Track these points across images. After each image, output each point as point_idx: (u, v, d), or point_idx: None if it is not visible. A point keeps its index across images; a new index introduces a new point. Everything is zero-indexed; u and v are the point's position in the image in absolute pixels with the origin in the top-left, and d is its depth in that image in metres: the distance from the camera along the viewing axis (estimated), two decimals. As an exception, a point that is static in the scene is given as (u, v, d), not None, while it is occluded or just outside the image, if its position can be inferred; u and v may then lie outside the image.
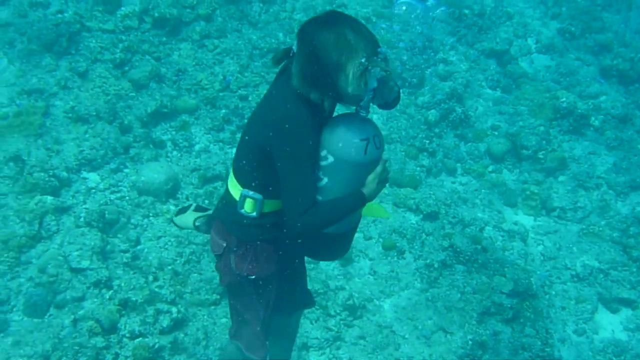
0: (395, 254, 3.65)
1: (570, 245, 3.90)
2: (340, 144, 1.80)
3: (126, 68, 4.01)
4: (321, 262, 3.77)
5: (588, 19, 5.51)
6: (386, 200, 4.00)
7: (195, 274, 3.59)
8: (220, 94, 4.12)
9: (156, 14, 4.17)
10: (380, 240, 3.73)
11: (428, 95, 4.49)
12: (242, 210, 2.00)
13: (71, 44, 4.05)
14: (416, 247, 3.71)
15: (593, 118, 4.62)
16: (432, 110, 4.40)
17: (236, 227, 2.07)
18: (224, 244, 2.12)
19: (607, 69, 5.05)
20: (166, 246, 3.56)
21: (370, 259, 3.67)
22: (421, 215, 3.83)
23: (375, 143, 1.85)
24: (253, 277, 2.12)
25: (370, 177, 1.86)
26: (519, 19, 5.57)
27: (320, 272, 3.62)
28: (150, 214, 3.62)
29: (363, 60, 1.61)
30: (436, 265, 3.55)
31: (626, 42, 5.34)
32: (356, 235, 3.58)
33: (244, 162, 1.97)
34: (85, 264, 3.51)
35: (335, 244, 2.07)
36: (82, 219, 3.64)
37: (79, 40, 4.09)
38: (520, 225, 3.94)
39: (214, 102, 4.07)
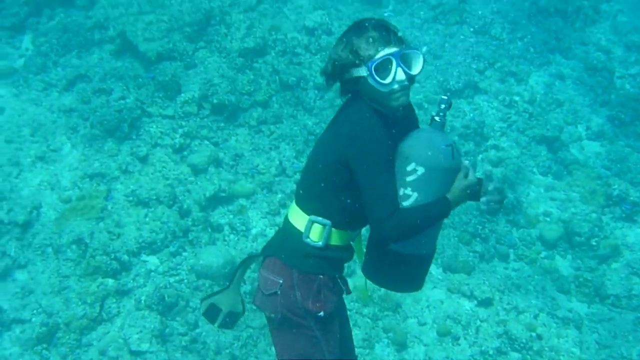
0: (450, 340, 4.63)
1: (626, 334, 4.97)
2: (429, 153, 2.41)
3: (185, 153, 5.27)
4: (376, 347, 4.87)
5: (637, 107, 7.11)
6: (440, 286, 5.22)
7: (253, 358, 4.73)
8: (277, 178, 5.57)
9: (215, 100, 5.53)
10: (435, 326, 4.72)
11: (479, 182, 5.90)
12: (308, 239, 2.56)
13: (132, 129, 5.38)
14: (471, 333, 4.75)
15: (646, 206, 6.04)
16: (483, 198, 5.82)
17: (299, 259, 2.60)
18: (280, 281, 2.62)
19: (659, 156, 6.59)
20: (224, 330, 4.73)
21: (425, 345, 4.63)
22: (475, 302, 4.87)
23: (457, 149, 2.49)
24: (321, 314, 2.62)
25: (455, 184, 2.45)
26: (569, 105, 7.14)
27: (375, 358, 4.75)
28: (209, 297, 4.84)
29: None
30: (491, 352, 4.52)
31: (676, 130, 6.90)
32: (410, 320, 4.80)
33: (312, 188, 2.56)
34: (144, 347, 4.63)
35: (412, 270, 2.61)
36: (142, 302, 4.82)
37: (139, 126, 5.44)
38: (574, 312, 4.97)
39: (270, 187, 5.46)
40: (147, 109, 5.54)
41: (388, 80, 2.38)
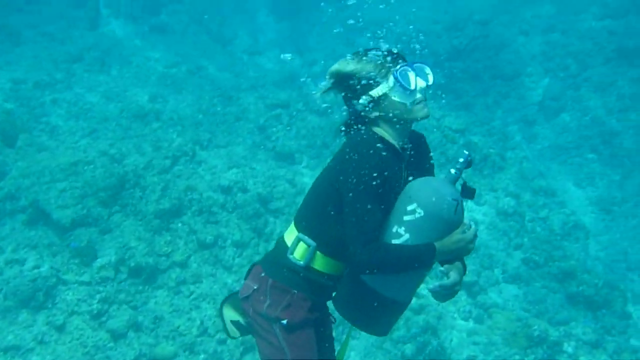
0: None
1: None
2: (434, 199, 2.84)
3: (103, 318, 6.16)
4: None
5: (549, 248, 8.89)
6: None
7: None
8: (198, 339, 6.64)
9: (132, 264, 6.55)
10: None
11: (403, 330, 7.11)
12: (291, 256, 3.13)
13: (48, 298, 6.32)
14: None
15: (566, 344, 7.55)
16: (408, 344, 6.87)
17: (277, 269, 3.20)
18: (255, 286, 3.24)
19: (574, 295, 8.19)
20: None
21: None
22: None
23: (462, 208, 2.90)
24: (284, 322, 3.15)
25: (450, 235, 2.88)
26: (484, 250, 8.77)
27: None
28: None
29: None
30: None
31: (588, 268, 8.69)
32: None
33: (307, 207, 3.14)
34: None
35: (382, 312, 3.04)
36: None
37: (55, 294, 6.41)
38: None
39: (192, 348, 6.46)
40: (63, 277, 6.59)
41: (412, 86, 2.95)
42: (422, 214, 2.90)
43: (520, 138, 10.54)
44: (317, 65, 11.29)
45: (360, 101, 3.04)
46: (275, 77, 10.89)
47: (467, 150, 3.07)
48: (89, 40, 11.42)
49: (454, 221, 2.94)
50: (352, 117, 3.14)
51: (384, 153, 2.98)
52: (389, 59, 3.01)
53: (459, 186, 3.09)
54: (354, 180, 2.92)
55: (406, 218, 2.93)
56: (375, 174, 2.91)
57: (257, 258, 7.43)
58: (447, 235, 2.96)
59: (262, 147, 8.68)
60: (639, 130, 10.25)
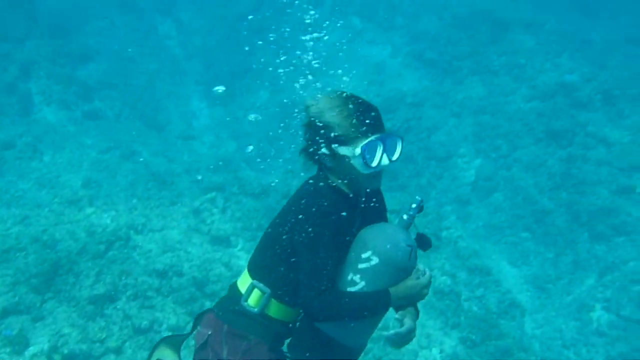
0: None
1: None
2: (389, 246, 3.03)
3: None
4: None
5: (486, 327, 9.64)
6: None
7: None
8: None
9: (65, 351, 6.85)
10: None
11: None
12: (245, 303, 3.30)
13: None
14: None
15: None
16: None
17: (232, 316, 3.36)
18: (209, 332, 3.38)
19: (512, 372, 8.95)
20: None
21: None
22: None
23: (416, 254, 3.09)
24: None
25: (405, 281, 3.05)
26: (422, 330, 9.44)
27: None
28: None
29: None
30: None
31: (524, 346, 9.47)
32: None
33: (260, 254, 3.33)
34: None
35: (336, 358, 3.22)
36: None
37: None
38: None
39: None
40: (-6, 366, 7.02)
41: (374, 164, 3.15)
42: (377, 261, 3.10)
43: (455, 218, 11.44)
44: (252, 150, 12.11)
45: (321, 150, 3.23)
46: (210, 161, 11.62)
47: (419, 196, 3.35)
48: (20, 127, 11.97)
49: (409, 267, 3.14)
50: (309, 150, 3.29)
51: (338, 203, 3.22)
52: (367, 121, 3.18)
53: (412, 232, 3.32)
54: (309, 230, 3.15)
55: (361, 266, 3.13)
56: (330, 225, 3.15)
57: (192, 342, 7.98)
58: (402, 281, 3.15)
59: (197, 230, 9.31)
60: (570, 208, 11.21)
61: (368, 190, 3.42)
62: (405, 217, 3.31)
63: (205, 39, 15.06)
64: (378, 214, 3.56)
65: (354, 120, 3.18)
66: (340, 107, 3.23)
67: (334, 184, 3.31)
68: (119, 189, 10.23)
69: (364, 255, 3.15)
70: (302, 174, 3.41)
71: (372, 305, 3.16)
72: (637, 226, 10.66)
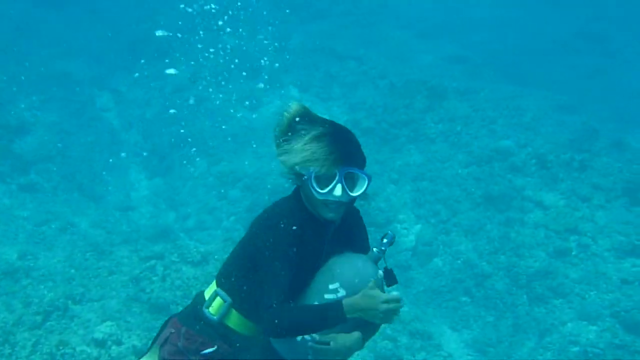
0: None
1: None
2: (357, 280, 3.20)
3: None
4: None
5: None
6: None
7: None
8: None
9: None
10: None
11: None
12: (206, 310, 3.52)
13: None
14: None
15: None
16: None
17: (192, 321, 3.59)
18: (172, 330, 3.63)
19: None
20: None
21: None
22: None
23: (382, 288, 3.25)
24: (205, 351, 3.50)
25: (361, 296, 3.09)
26: None
27: None
28: None
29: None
30: None
31: (465, 406, 9.97)
32: None
33: (227, 264, 3.57)
34: None
35: None
36: None
37: None
38: None
39: None
40: None
41: (325, 190, 3.29)
42: (344, 294, 3.27)
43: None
44: (191, 219, 12.59)
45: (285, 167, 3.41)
46: (149, 231, 12.06)
47: (390, 232, 3.48)
48: (-46, 200, 12.28)
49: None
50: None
51: (302, 223, 3.38)
52: (336, 154, 3.30)
53: (381, 267, 3.47)
54: (269, 245, 3.33)
55: (327, 296, 3.29)
56: (290, 242, 3.32)
57: None
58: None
59: (137, 299, 9.70)
60: (509, 271, 11.89)
61: (326, 218, 3.45)
62: (375, 250, 3.48)
63: (144, 110, 15.66)
64: (355, 240, 3.70)
65: (324, 154, 3.31)
66: (318, 138, 3.36)
67: (303, 204, 3.49)
68: (57, 260, 10.57)
69: (331, 287, 3.32)
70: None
71: (323, 316, 3.23)
72: (574, 288, 11.30)
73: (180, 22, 17.15)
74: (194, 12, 16.13)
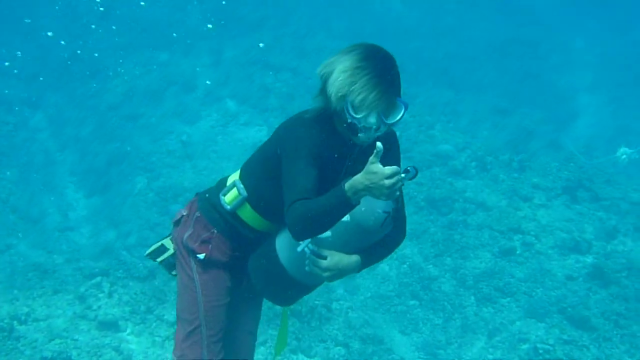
0: None
1: None
2: (363, 209, 3.24)
3: None
4: None
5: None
6: None
7: None
8: None
9: None
10: None
11: None
12: (222, 197, 3.71)
13: None
14: None
15: None
16: None
17: (207, 205, 3.82)
18: (185, 213, 3.92)
19: None
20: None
21: None
22: None
23: (391, 221, 3.34)
24: (202, 256, 3.77)
25: (363, 174, 2.99)
26: None
27: None
28: None
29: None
30: None
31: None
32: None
33: (252, 161, 3.73)
34: None
35: (285, 287, 3.61)
36: None
37: None
38: None
39: None
40: None
41: (359, 115, 3.29)
42: (348, 219, 3.33)
43: (343, 291, 12.24)
44: (132, 236, 12.60)
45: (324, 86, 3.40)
46: (91, 250, 12.04)
47: (414, 167, 3.34)
48: None
49: (378, 233, 3.43)
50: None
51: (325, 137, 3.44)
52: (375, 81, 3.30)
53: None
54: (291, 144, 3.42)
55: None
56: (312, 143, 3.39)
57: None
58: (367, 244, 3.44)
59: (84, 317, 9.69)
60: (456, 273, 12.24)
61: (356, 142, 3.48)
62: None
63: (78, 129, 15.59)
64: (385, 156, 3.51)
65: (361, 74, 3.31)
66: (352, 56, 3.38)
67: (331, 118, 3.50)
68: (-3, 282, 10.50)
69: None
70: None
71: (332, 202, 3.18)
72: (521, 286, 11.69)
73: (116, 39, 17.24)
74: (128, 29, 16.21)
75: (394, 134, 3.80)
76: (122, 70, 16.87)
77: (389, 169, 3.03)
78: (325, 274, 3.48)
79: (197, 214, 3.92)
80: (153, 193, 13.37)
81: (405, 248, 12.83)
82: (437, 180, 13.92)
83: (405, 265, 12.60)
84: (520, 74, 19.91)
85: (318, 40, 19.33)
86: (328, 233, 3.40)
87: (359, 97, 3.27)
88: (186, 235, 3.92)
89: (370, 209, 3.34)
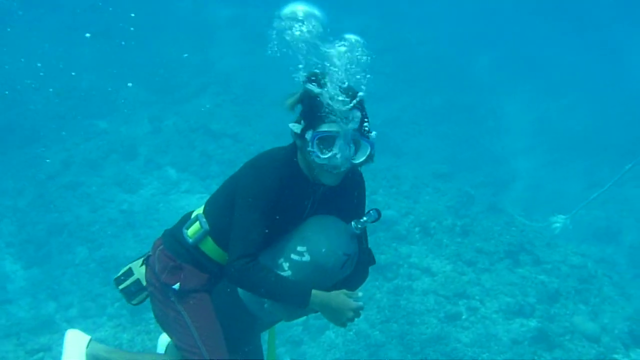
0: None
1: None
2: (324, 250, 3.31)
3: None
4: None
5: None
6: None
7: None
8: None
9: None
10: None
11: None
12: (185, 231, 3.79)
13: None
14: None
15: None
16: None
17: (170, 240, 3.89)
18: (150, 253, 4.03)
19: None
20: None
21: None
22: None
23: (352, 263, 3.38)
24: (176, 286, 3.80)
25: (334, 293, 3.23)
26: None
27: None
28: None
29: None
30: None
31: None
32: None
33: (215, 196, 3.81)
34: None
35: (244, 319, 3.76)
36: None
37: None
38: None
39: None
40: None
41: (325, 156, 3.38)
42: (309, 260, 3.42)
43: (289, 359, 12.24)
44: (73, 308, 12.42)
45: (292, 125, 3.54)
46: (30, 323, 11.81)
47: (377, 210, 3.52)
48: None
49: (338, 275, 3.46)
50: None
51: (290, 177, 3.52)
52: (336, 110, 3.33)
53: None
54: (250, 193, 3.50)
55: (293, 257, 3.45)
56: (271, 194, 3.46)
57: None
58: (329, 284, 3.46)
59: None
60: (402, 339, 12.34)
61: (323, 183, 3.57)
62: (353, 224, 3.57)
63: (16, 199, 15.39)
64: (344, 204, 3.78)
65: (328, 104, 3.38)
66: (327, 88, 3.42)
67: (296, 160, 3.60)
68: None
69: (299, 248, 3.46)
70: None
71: (288, 294, 3.42)
72: (467, 352, 11.79)
73: (54, 107, 17.21)
74: (66, 97, 16.25)
75: (360, 175, 3.90)
76: (61, 139, 16.81)
77: (354, 304, 3.34)
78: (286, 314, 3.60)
79: (161, 247, 4.03)
80: (95, 263, 13.26)
81: (350, 314, 12.88)
82: (382, 246, 14.10)
83: (351, 333, 12.63)
84: (458, 138, 20.46)
85: (257, 107, 19.61)
86: (289, 272, 3.46)
87: (329, 128, 3.38)
88: (156, 269, 4.00)
89: (331, 251, 3.40)
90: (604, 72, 28.52)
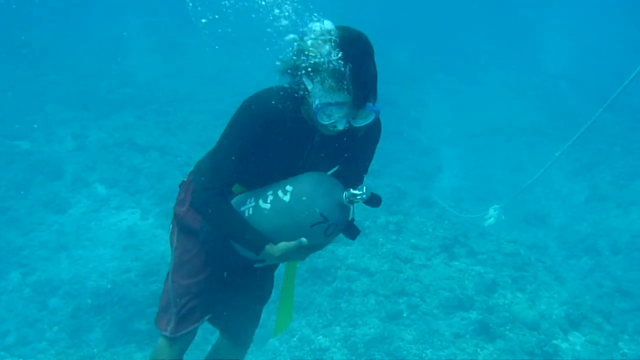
0: None
1: None
2: (304, 198, 3.31)
3: None
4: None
5: None
6: None
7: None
8: None
9: None
10: None
11: None
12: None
13: None
14: None
15: None
16: None
17: (196, 169, 4.05)
18: (185, 179, 4.28)
19: None
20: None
21: None
22: None
23: (328, 229, 3.35)
24: (182, 220, 4.08)
25: (283, 245, 3.31)
26: None
27: None
28: None
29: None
30: None
31: None
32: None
33: None
34: None
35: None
36: None
37: None
38: None
39: None
40: None
41: (326, 122, 3.35)
42: (287, 200, 3.42)
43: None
44: (10, 335, 12.36)
45: (303, 76, 3.39)
46: (-32, 354, 11.72)
47: (367, 187, 3.45)
48: None
49: (308, 233, 3.40)
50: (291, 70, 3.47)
51: (283, 120, 3.48)
52: (350, 80, 3.25)
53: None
54: (232, 125, 3.52)
55: (279, 193, 3.48)
56: (252, 131, 3.46)
57: None
58: (294, 235, 3.44)
59: None
60: (346, 342, 12.50)
61: (323, 132, 3.54)
62: (345, 197, 3.50)
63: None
64: (349, 156, 3.80)
65: (342, 71, 3.29)
66: (341, 53, 3.32)
67: (297, 101, 3.50)
68: None
69: (287, 187, 3.48)
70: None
71: (241, 236, 3.51)
72: (411, 349, 12.07)
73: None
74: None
75: (379, 129, 3.97)
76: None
77: (293, 245, 3.39)
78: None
79: (189, 179, 4.24)
80: (29, 288, 13.17)
81: (294, 321, 13.04)
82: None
83: (294, 339, 12.77)
84: (384, 131, 20.84)
85: (182, 116, 19.69)
86: (267, 206, 3.53)
87: (335, 99, 3.35)
88: (177, 200, 4.27)
89: (310, 203, 3.40)
90: (519, 56, 29.46)
